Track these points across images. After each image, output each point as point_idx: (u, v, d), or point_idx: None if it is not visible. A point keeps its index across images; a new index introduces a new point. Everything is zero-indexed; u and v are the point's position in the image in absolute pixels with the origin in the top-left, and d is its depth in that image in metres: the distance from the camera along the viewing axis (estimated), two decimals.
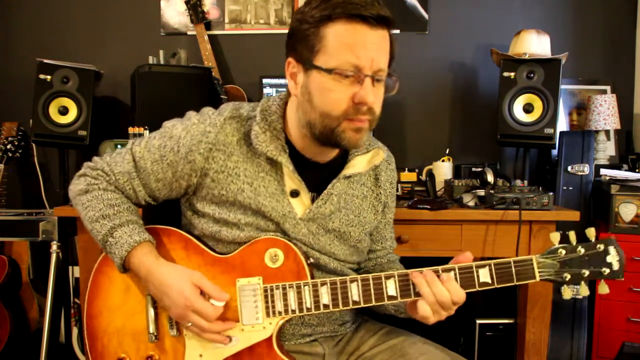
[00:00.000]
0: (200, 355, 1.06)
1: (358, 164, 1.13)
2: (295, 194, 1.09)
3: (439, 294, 0.96)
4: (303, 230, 1.09)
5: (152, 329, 1.07)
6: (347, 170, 1.11)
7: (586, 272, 0.98)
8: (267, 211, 1.06)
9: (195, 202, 1.11)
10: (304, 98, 1.01)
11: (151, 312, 1.07)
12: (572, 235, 1.00)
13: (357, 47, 0.95)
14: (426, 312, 0.97)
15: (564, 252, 0.99)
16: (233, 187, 1.06)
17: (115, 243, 1.04)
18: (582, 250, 0.98)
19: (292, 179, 1.08)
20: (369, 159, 1.14)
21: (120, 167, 1.11)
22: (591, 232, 0.99)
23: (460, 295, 0.97)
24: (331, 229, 1.12)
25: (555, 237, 1.00)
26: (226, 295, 1.03)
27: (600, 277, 0.98)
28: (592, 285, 1.02)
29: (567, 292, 1.00)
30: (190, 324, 1.01)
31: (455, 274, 0.99)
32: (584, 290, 0.99)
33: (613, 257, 0.97)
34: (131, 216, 1.08)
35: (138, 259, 1.04)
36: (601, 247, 0.98)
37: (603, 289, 0.98)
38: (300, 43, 0.99)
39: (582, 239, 1.00)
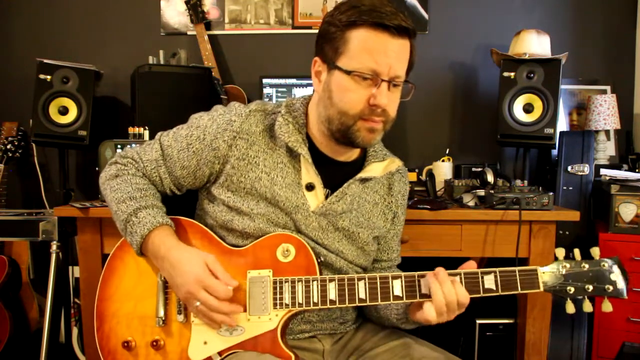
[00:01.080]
0: (205, 343, 1.07)
1: (374, 170, 1.17)
2: (310, 187, 1.12)
3: (448, 293, 0.98)
4: (313, 223, 1.11)
5: (161, 312, 1.10)
6: (364, 173, 1.15)
7: (590, 288, 0.99)
8: (281, 201, 1.10)
9: (212, 189, 1.15)
10: (325, 95, 1.07)
11: (161, 296, 1.11)
12: (577, 252, 1.02)
13: (377, 53, 1.01)
14: (431, 314, 0.99)
15: (568, 265, 1.01)
16: (251, 174, 1.10)
17: (138, 222, 1.08)
18: (587, 266, 1.00)
19: (309, 172, 1.12)
20: (384, 166, 1.19)
21: (149, 155, 1.17)
22: (595, 251, 1.01)
23: (466, 297, 1.00)
24: (340, 228, 1.14)
25: (561, 252, 1.02)
26: (235, 281, 1.05)
27: (603, 295, 0.99)
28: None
29: (570, 307, 1.01)
30: (198, 303, 1.03)
31: (460, 279, 1.01)
32: (587, 307, 1.00)
33: (617, 276, 0.99)
34: (156, 201, 1.14)
35: (160, 238, 1.08)
36: (605, 265, 1.00)
37: (607, 307, 0.99)
38: (326, 44, 1.06)
39: (587, 257, 1.02)
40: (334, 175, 1.14)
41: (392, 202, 1.24)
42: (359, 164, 1.19)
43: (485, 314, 2.00)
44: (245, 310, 1.06)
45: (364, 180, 1.17)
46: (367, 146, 1.14)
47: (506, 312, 1.98)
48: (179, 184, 1.17)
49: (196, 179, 1.15)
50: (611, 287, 0.99)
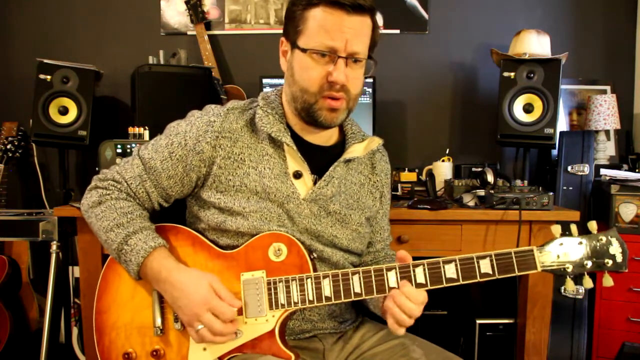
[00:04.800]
0: (204, 349, 1.07)
1: (356, 150, 1.19)
2: (298, 175, 1.13)
3: (403, 306, 0.99)
4: (305, 211, 1.12)
5: (158, 322, 1.09)
6: (347, 155, 1.17)
7: (589, 264, 0.97)
8: (272, 192, 1.10)
9: (201, 193, 1.14)
10: (289, 73, 1.12)
11: (157, 306, 1.10)
12: (573, 227, 0.99)
13: (333, 30, 1.04)
14: (393, 325, 1.02)
15: (565, 243, 0.98)
16: (239, 171, 1.10)
17: (130, 250, 1.07)
18: (584, 242, 0.97)
19: (295, 160, 1.12)
20: (365, 146, 1.21)
21: (131, 172, 1.14)
22: (593, 225, 0.98)
23: (419, 298, 1.00)
24: (332, 212, 1.15)
25: (557, 229, 0.99)
26: (239, 302, 1.04)
27: (603, 269, 0.96)
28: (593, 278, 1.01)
29: (570, 284, 0.98)
30: (200, 326, 1.01)
31: (456, 265, 1.00)
32: (587, 283, 0.97)
33: (616, 249, 0.96)
34: (144, 223, 1.11)
35: (158, 262, 1.06)
36: (603, 239, 0.97)
37: (607, 281, 0.96)
38: (289, 24, 1.10)
39: (584, 232, 0.99)
40: (318, 160, 1.15)
41: (377, 181, 1.26)
42: (340, 147, 1.20)
43: (485, 314, 2.00)
44: (241, 314, 1.05)
45: (348, 162, 1.19)
46: (330, 125, 1.13)
47: (506, 312, 1.98)
48: (167, 195, 1.15)
49: (184, 186, 1.14)
50: (610, 261, 0.96)
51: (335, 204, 1.15)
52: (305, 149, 1.14)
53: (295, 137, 1.15)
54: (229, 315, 1.01)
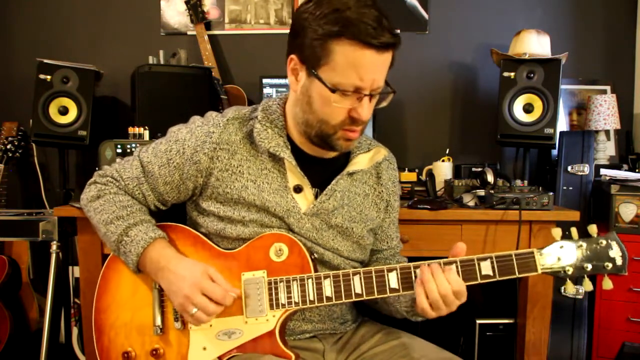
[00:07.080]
0: (204, 348, 1.07)
1: (360, 162, 1.17)
2: (298, 189, 1.11)
3: (440, 285, 0.96)
4: (307, 225, 1.11)
5: (158, 321, 1.09)
6: (351, 167, 1.15)
7: (588, 267, 0.97)
8: (272, 207, 1.09)
9: (201, 202, 1.14)
10: (304, 99, 1.05)
11: (157, 304, 1.10)
12: (574, 231, 1.00)
13: (363, 70, 0.98)
14: (424, 303, 0.97)
15: (565, 245, 0.98)
16: (237, 184, 1.09)
17: (130, 241, 1.07)
18: (584, 245, 0.98)
19: (294, 175, 1.11)
20: (370, 157, 1.18)
21: (129, 173, 1.15)
22: (593, 229, 0.99)
23: (460, 286, 0.97)
24: (334, 225, 1.14)
25: (557, 232, 1.00)
26: (236, 290, 1.05)
27: (603, 272, 0.97)
28: (594, 281, 1.01)
29: (570, 287, 0.99)
30: (194, 310, 1.01)
31: (457, 267, 0.99)
32: (587, 285, 0.98)
33: (616, 252, 0.97)
34: (144, 215, 1.12)
35: (157, 252, 1.07)
36: (603, 242, 0.98)
37: (607, 284, 0.97)
38: (306, 48, 1.00)
39: (585, 235, 0.99)
40: (321, 173, 1.14)
41: (382, 191, 1.23)
42: (344, 158, 1.18)
43: (485, 314, 2.00)
44: (242, 313, 1.06)
45: (352, 174, 1.17)
46: (345, 151, 1.13)
47: (506, 312, 1.98)
48: (164, 199, 1.16)
49: (180, 193, 1.15)
50: (610, 265, 0.97)
51: (338, 217, 1.14)
52: (307, 162, 1.12)
53: (296, 150, 1.12)
54: (220, 296, 1.01)
